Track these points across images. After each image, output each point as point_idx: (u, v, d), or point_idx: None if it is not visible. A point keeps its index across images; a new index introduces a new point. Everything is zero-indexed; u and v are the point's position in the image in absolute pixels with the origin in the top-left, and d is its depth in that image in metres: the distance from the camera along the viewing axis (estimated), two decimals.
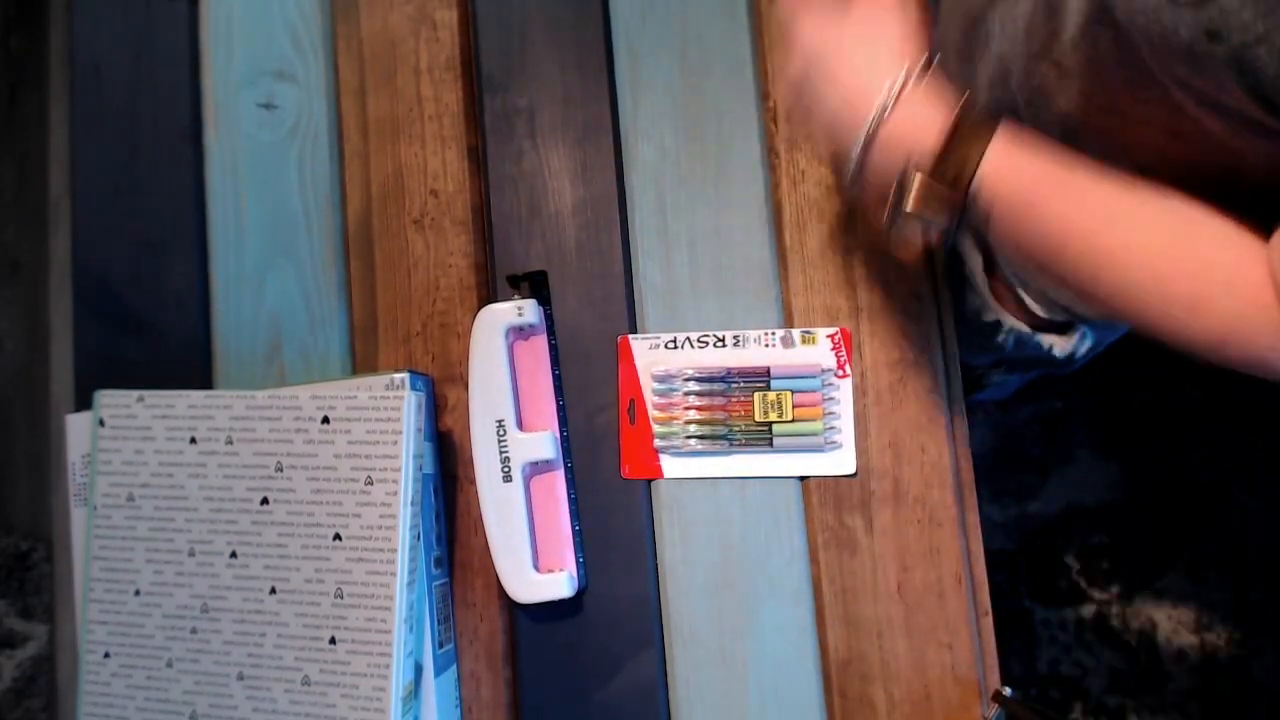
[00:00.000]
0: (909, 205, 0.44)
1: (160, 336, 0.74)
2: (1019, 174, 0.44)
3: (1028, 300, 0.70)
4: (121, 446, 0.67)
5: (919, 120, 0.45)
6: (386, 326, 0.72)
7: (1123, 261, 0.42)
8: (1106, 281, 0.43)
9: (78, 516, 0.71)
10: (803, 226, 0.69)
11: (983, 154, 0.43)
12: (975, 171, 0.43)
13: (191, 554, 0.65)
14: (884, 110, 0.44)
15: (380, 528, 0.62)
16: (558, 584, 0.65)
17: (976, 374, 0.95)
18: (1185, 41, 0.39)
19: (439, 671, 0.65)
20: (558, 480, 0.68)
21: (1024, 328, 0.72)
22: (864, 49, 0.47)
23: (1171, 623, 1.28)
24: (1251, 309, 0.40)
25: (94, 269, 0.76)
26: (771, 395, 0.67)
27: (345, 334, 0.73)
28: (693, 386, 0.68)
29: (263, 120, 0.76)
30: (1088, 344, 0.73)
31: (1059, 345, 0.72)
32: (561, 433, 0.69)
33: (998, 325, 0.73)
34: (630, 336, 0.69)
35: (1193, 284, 0.42)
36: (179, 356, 0.74)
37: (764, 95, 0.71)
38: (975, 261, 0.72)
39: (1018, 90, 0.54)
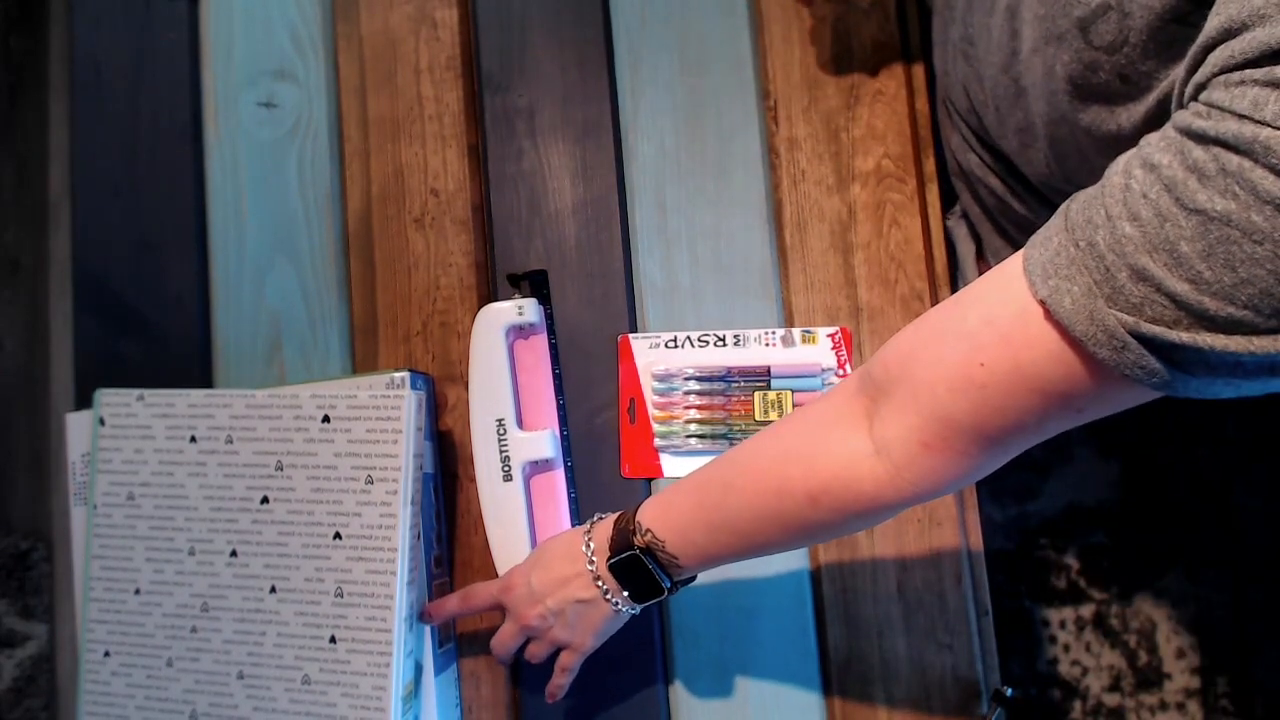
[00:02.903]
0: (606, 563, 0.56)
1: (160, 336, 0.74)
2: (664, 505, 0.55)
3: None
4: (121, 445, 0.67)
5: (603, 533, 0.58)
6: (386, 326, 0.72)
7: (750, 514, 0.51)
8: (755, 513, 0.50)
9: (78, 516, 0.70)
10: (803, 226, 0.69)
11: (636, 510, 0.56)
12: (635, 517, 0.55)
13: (191, 553, 0.65)
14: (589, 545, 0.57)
15: (380, 527, 0.62)
16: None
17: None
18: (1103, 82, 0.42)
19: (439, 671, 0.65)
20: (558, 479, 0.68)
21: None
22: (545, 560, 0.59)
23: (1171, 623, 1.28)
24: (837, 478, 0.47)
25: (94, 269, 0.76)
26: (772, 394, 0.66)
27: (345, 333, 0.73)
28: (693, 386, 0.68)
29: (263, 120, 0.76)
30: None
31: None
32: (561, 432, 0.69)
33: None
34: (630, 336, 0.69)
35: (796, 482, 0.48)
36: (179, 356, 0.74)
37: (764, 94, 0.71)
38: (967, 250, 0.73)
39: (989, 95, 0.55)
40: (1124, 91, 0.42)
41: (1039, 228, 0.59)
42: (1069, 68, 0.44)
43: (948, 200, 0.71)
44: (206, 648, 0.64)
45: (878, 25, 0.70)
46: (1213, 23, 0.33)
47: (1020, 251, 0.40)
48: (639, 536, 0.54)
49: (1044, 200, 0.59)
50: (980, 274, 0.72)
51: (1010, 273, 0.40)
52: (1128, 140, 0.43)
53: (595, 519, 0.59)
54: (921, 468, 0.44)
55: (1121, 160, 0.36)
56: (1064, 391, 0.39)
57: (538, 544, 0.66)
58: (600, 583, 0.56)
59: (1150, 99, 0.40)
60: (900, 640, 0.64)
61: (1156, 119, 0.40)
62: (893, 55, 0.70)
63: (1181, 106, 0.35)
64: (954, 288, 0.69)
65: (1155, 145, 0.34)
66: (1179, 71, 0.36)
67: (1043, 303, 0.37)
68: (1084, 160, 0.48)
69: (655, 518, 0.54)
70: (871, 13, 0.70)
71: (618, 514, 0.57)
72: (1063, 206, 0.39)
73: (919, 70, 0.70)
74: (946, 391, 0.42)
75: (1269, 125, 0.30)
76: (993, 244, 0.68)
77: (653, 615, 0.66)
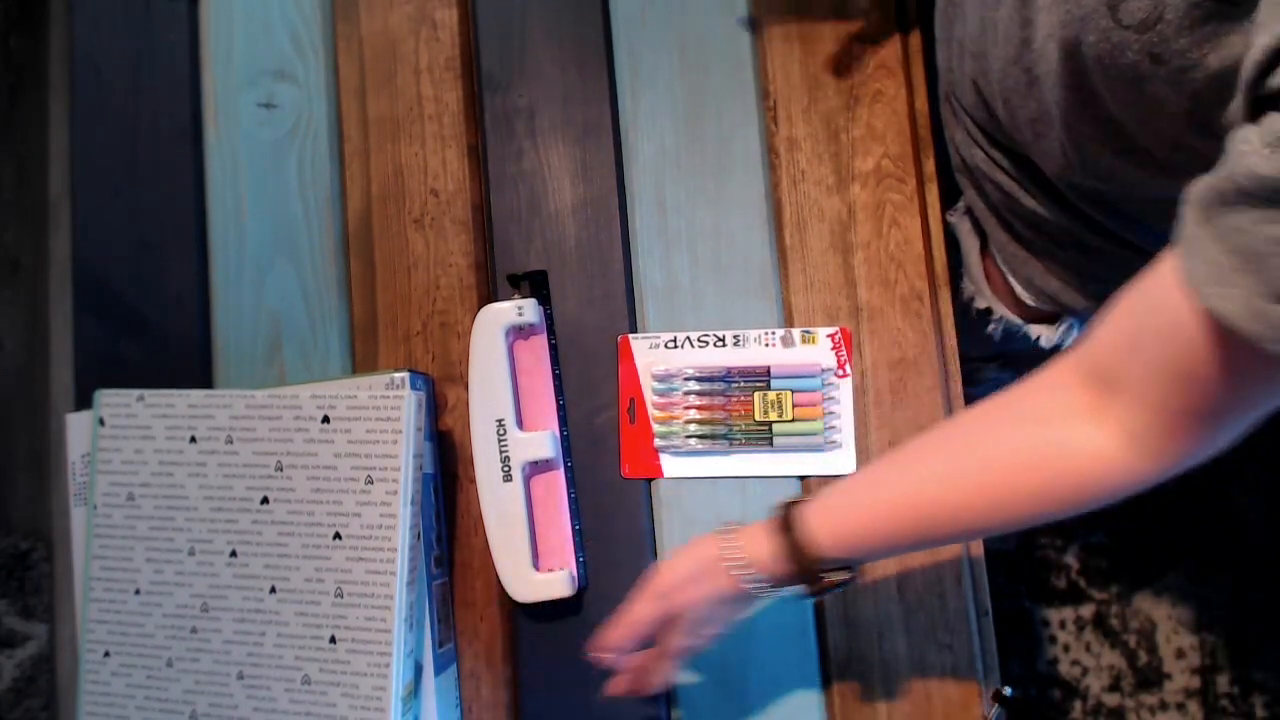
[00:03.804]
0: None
1: (160, 336, 0.74)
2: (854, 530, 0.53)
3: (1016, 287, 0.70)
4: (121, 446, 0.67)
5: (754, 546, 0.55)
6: (386, 326, 0.72)
7: (967, 505, 0.50)
8: (966, 522, 0.51)
9: (78, 516, 0.70)
10: (803, 226, 0.69)
11: (795, 531, 0.53)
12: (807, 548, 0.53)
13: (191, 553, 0.65)
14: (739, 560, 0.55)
15: (380, 527, 0.62)
16: (558, 583, 0.65)
17: (971, 369, 0.95)
18: (1131, 62, 0.42)
19: (439, 671, 0.65)
20: (558, 480, 0.68)
21: (1013, 318, 0.73)
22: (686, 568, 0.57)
23: (1171, 623, 1.28)
24: (1072, 475, 0.47)
25: (94, 269, 0.76)
26: (771, 395, 0.66)
27: (345, 334, 0.73)
28: (693, 386, 0.68)
29: (263, 120, 0.76)
30: (1074, 335, 0.73)
31: (1046, 335, 0.73)
32: (561, 432, 0.69)
33: (988, 313, 0.74)
34: (630, 336, 0.69)
35: (1017, 482, 0.49)
36: (179, 356, 0.74)
37: (764, 94, 0.71)
38: (971, 245, 0.73)
39: (998, 89, 0.55)
40: (1152, 72, 0.42)
41: (1049, 223, 0.58)
42: (1094, 49, 0.44)
43: (948, 199, 0.71)
44: (206, 648, 0.64)
45: (878, 25, 0.70)
46: None
47: (1172, 257, 0.41)
48: (832, 575, 0.53)
49: (1055, 196, 0.59)
50: (985, 270, 0.72)
51: (1168, 282, 0.40)
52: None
53: (725, 539, 0.55)
54: (1172, 451, 0.45)
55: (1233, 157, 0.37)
56: (1267, 377, 0.40)
57: (538, 545, 0.66)
58: (775, 594, 0.55)
59: (1191, 78, 0.40)
60: (900, 640, 0.64)
61: (1201, 98, 0.40)
62: (893, 55, 0.70)
63: (1260, 92, 0.35)
64: (955, 286, 0.69)
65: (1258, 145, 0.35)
66: (1250, 57, 0.36)
67: (1209, 310, 0.38)
68: (1103, 147, 0.48)
69: (845, 545, 0.53)
70: (871, 13, 0.70)
71: (771, 539, 0.54)
72: (1192, 209, 0.39)
73: (919, 70, 0.70)
74: (1171, 384, 0.43)
75: None
76: (998, 239, 0.68)
77: None
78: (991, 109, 0.58)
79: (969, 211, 0.72)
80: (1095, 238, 0.61)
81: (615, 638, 0.58)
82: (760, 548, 0.54)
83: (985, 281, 0.73)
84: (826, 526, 0.53)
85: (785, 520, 0.54)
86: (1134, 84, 0.43)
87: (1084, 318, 0.72)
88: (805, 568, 0.53)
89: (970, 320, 0.80)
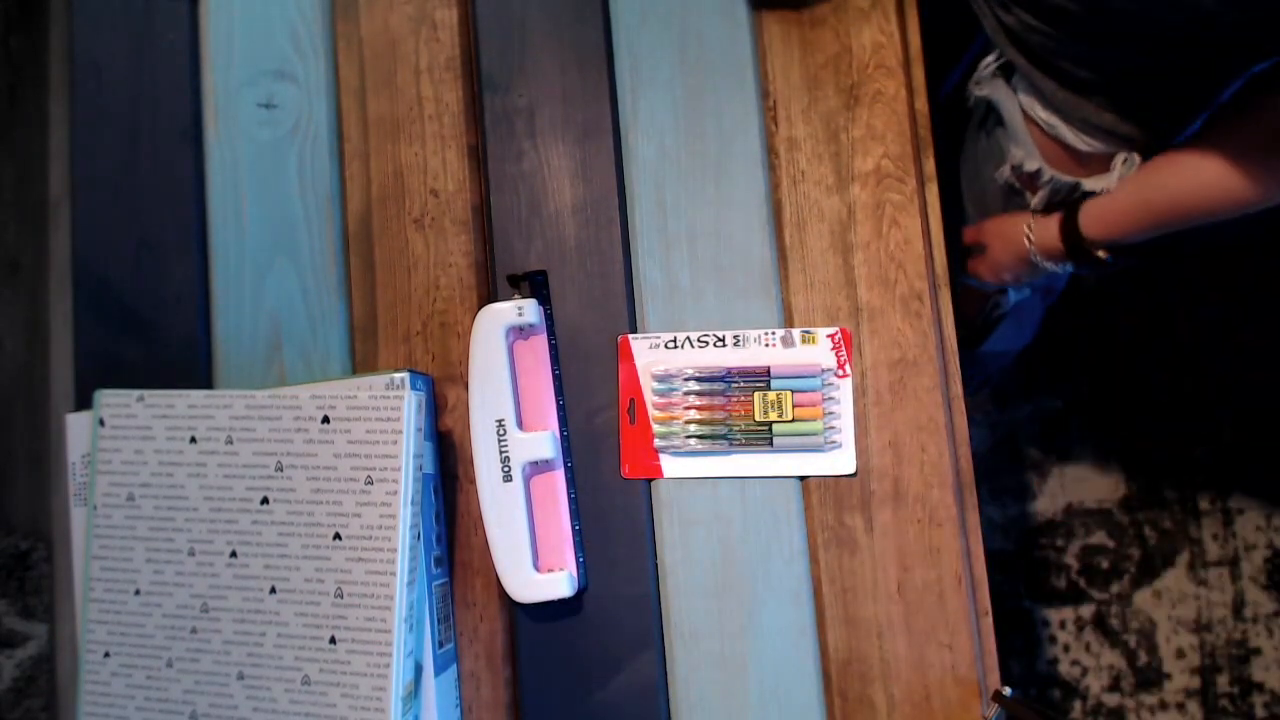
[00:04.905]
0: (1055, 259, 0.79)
1: (160, 336, 0.74)
2: (1113, 227, 0.73)
3: (1068, 135, 0.74)
4: (121, 446, 0.67)
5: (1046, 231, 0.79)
6: (386, 326, 0.72)
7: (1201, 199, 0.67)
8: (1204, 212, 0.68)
9: (78, 516, 0.71)
10: (803, 226, 0.69)
11: (1080, 226, 0.75)
12: (1081, 233, 0.75)
13: (191, 553, 0.65)
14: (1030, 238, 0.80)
15: (380, 527, 0.62)
16: (558, 584, 0.65)
17: (986, 311, 0.96)
18: None
19: (439, 671, 0.65)
20: (558, 480, 0.68)
21: (1064, 175, 0.78)
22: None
23: (1171, 623, 1.28)
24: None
25: (94, 269, 0.76)
26: (771, 395, 0.67)
27: (345, 334, 0.73)
28: (693, 386, 0.68)
29: (263, 120, 0.76)
30: (1132, 168, 0.76)
31: (1105, 184, 0.77)
32: (561, 432, 0.69)
33: (1036, 177, 0.79)
34: (630, 336, 0.69)
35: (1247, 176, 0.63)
36: (179, 356, 0.74)
37: (764, 95, 0.71)
38: (1013, 107, 0.76)
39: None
40: None
41: (1096, 56, 0.68)
42: None
43: (947, 199, 0.71)
44: (206, 648, 0.64)
45: (878, 25, 0.70)
46: None
47: None
48: (1098, 252, 0.75)
49: (1101, 34, 0.65)
50: (1027, 127, 0.78)
51: None
52: None
53: (1030, 222, 0.79)
54: None
55: None
56: None
57: (538, 545, 0.66)
58: (1047, 264, 0.79)
59: None
60: (900, 640, 0.64)
61: None
62: (893, 55, 0.70)
63: None
64: (955, 284, 0.69)
65: None
66: None
67: None
68: None
69: (1106, 228, 0.73)
70: (871, 13, 0.70)
71: (1055, 224, 0.76)
72: None
73: (919, 70, 0.70)
74: None
75: None
76: (1047, 88, 0.72)
77: (652, 614, 0.67)
78: None
79: (1001, 71, 0.76)
80: (1142, 63, 0.67)
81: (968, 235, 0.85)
82: (1047, 230, 0.77)
83: (1033, 141, 0.77)
84: (1092, 214, 0.73)
85: (1066, 212, 0.75)
86: None
87: (1135, 145, 0.75)
88: (1073, 245, 0.75)
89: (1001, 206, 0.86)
